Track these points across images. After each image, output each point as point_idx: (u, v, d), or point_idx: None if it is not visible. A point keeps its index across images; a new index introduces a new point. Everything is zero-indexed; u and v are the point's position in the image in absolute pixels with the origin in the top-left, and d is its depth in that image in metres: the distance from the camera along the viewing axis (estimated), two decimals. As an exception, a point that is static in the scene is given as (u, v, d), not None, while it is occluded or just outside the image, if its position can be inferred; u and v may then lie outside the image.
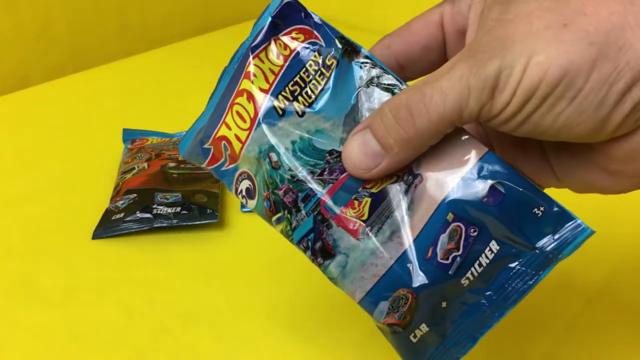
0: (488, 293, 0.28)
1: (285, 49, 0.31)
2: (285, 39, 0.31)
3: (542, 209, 0.27)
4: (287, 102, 0.30)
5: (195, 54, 0.89)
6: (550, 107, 0.25)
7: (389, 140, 0.28)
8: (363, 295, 0.29)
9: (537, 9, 0.26)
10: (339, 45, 0.30)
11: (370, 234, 0.29)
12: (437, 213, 0.28)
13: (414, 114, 0.27)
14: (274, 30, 0.31)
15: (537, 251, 0.27)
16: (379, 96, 0.30)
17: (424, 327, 0.28)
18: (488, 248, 0.28)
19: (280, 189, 0.30)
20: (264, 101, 0.30)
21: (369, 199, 0.29)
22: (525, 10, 0.26)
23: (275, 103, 0.30)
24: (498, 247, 0.28)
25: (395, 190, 0.29)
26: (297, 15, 0.31)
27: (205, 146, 0.31)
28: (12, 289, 0.45)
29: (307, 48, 0.31)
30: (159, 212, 0.51)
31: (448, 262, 0.28)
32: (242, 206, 0.54)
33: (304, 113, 0.30)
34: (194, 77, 0.81)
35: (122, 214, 0.51)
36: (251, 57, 0.30)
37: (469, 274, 0.28)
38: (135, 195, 0.52)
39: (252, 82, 0.30)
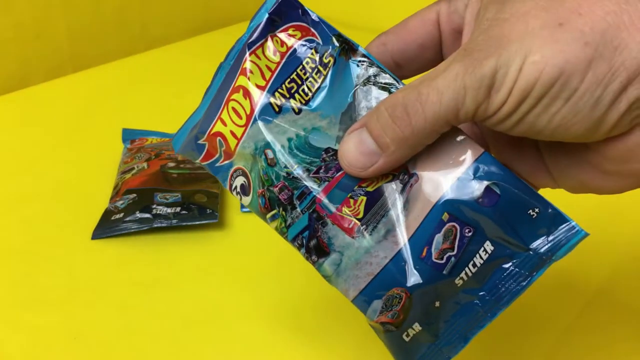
0: (481, 293, 0.28)
1: (282, 45, 0.31)
2: (282, 35, 0.31)
3: (536, 210, 0.28)
4: (283, 99, 0.30)
5: (195, 54, 0.89)
6: (545, 107, 0.26)
7: (385, 139, 0.28)
8: (357, 293, 0.29)
9: (533, 8, 0.26)
10: (336, 44, 0.30)
11: (365, 232, 0.29)
12: (433, 213, 0.28)
13: (410, 112, 0.27)
14: (271, 27, 0.31)
15: (531, 252, 0.28)
16: (376, 95, 0.30)
17: (416, 326, 0.28)
18: (482, 248, 0.28)
19: (276, 186, 0.30)
20: (260, 98, 0.30)
21: (365, 198, 0.29)
22: (521, 10, 0.26)
23: (272, 100, 0.30)
24: (492, 248, 0.28)
25: (391, 189, 0.29)
26: (294, 12, 0.31)
27: (200, 142, 0.31)
28: (12, 289, 0.45)
29: (304, 45, 0.31)
30: (158, 212, 0.51)
31: (442, 261, 0.28)
32: (242, 206, 0.54)
33: (300, 110, 0.30)
34: (194, 77, 0.81)
35: (121, 214, 0.51)
36: (248, 53, 0.30)
37: (463, 274, 0.28)
38: (134, 195, 0.52)
39: (249, 79, 0.30)
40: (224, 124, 0.31)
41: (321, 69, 0.30)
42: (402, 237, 0.29)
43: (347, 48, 0.30)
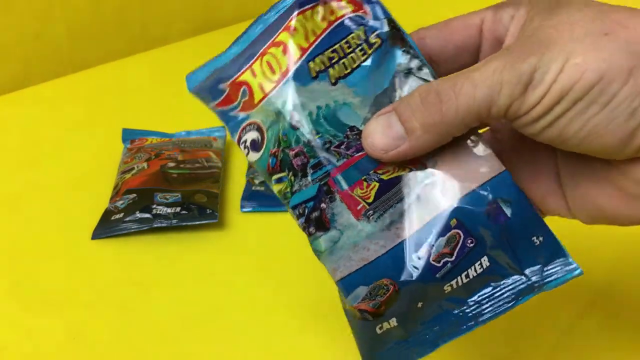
0: (464, 305, 0.28)
1: (331, 14, 0.30)
2: (334, 4, 0.30)
3: (540, 239, 0.28)
4: (322, 67, 0.30)
5: (195, 54, 0.88)
6: (580, 111, 0.25)
7: (413, 123, 0.27)
8: (345, 275, 0.29)
9: (580, 19, 0.26)
10: (387, 27, 0.30)
11: (371, 218, 0.28)
12: (442, 215, 0.28)
13: (443, 99, 0.27)
14: None
15: (524, 277, 0.28)
16: (414, 86, 0.29)
17: (393, 322, 0.28)
18: (479, 262, 0.28)
19: (292, 149, 0.29)
20: (300, 59, 0.30)
21: (378, 184, 0.29)
22: (567, 20, 0.26)
23: (311, 64, 0.30)
24: (488, 264, 0.28)
25: (406, 182, 0.29)
26: None
27: (221, 86, 0.31)
28: (12, 289, 0.45)
29: (353, 20, 0.30)
30: (158, 212, 0.51)
31: (439, 265, 0.28)
32: (242, 206, 0.54)
33: (336, 82, 0.30)
34: (194, 77, 0.81)
35: (121, 214, 0.51)
36: (297, 12, 0.30)
37: (454, 282, 0.28)
38: (134, 195, 0.52)
39: (292, 37, 0.30)
40: (254, 75, 0.30)
41: (366, 47, 0.30)
42: (406, 231, 0.28)
43: (396, 35, 0.30)
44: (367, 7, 0.30)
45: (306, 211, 0.29)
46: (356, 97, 0.30)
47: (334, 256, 0.29)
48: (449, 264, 0.28)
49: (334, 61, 0.30)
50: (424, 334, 0.28)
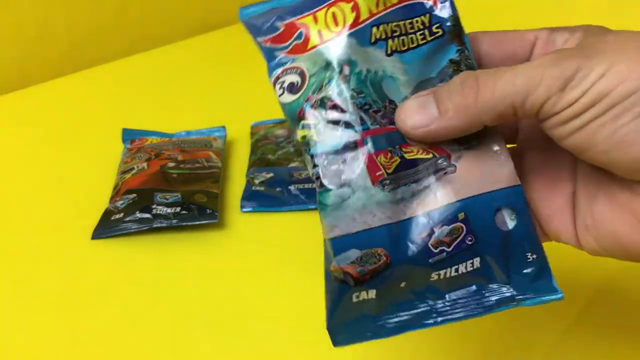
0: (441, 299, 0.28)
1: None
2: None
3: (534, 256, 0.29)
4: (383, 35, 0.30)
5: (195, 54, 0.89)
6: (613, 117, 0.25)
7: (447, 104, 0.28)
8: (342, 234, 0.29)
9: (630, 38, 0.26)
10: (450, 23, 0.31)
11: (385, 187, 0.29)
12: (452, 206, 0.29)
13: (481, 83, 0.27)
14: None
15: (508, 287, 0.28)
16: None
17: (372, 293, 0.28)
18: (472, 261, 0.28)
19: (332, 101, 0.30)
20: (365, 21, 0.30)
21: (399, 160, 0.29)
22: (618, 38, 0.27)
23: (374, 29, 0.30)
24: (479, 265, 0.28)
25: (425, 167, 0.29)
26: None
27: (277, 24, 0.31)
28: (12, 289, 0.45)
29: (422, 6, 0.31)
30: (158, 212, 0.51)
31: (435, 251, 0.28)
32: (242, 206, 0.54)
33: (392, 54, 0.30)
34: (194, 77, 0.81)
35: (121, 214, 0.51)
36: None
37: (442, 272, 0.28)
38: (134, 195, 0.52)
39: None
40: (316, 21, 0.30)
41: (427, 34, 0.31)
42: (414, 210, 0.29)
43: (457, 32, 0.31)
44: (438, 1, 0.31)
45: (326, 162, 0.29)
46: (404, 75, 0.30)
47: (338, 212, 0.29)
48: (444, 253, 0.28)
49: (395, 34, 0.31)
50: (395, 315, 0.28)
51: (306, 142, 0.30)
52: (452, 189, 0.29)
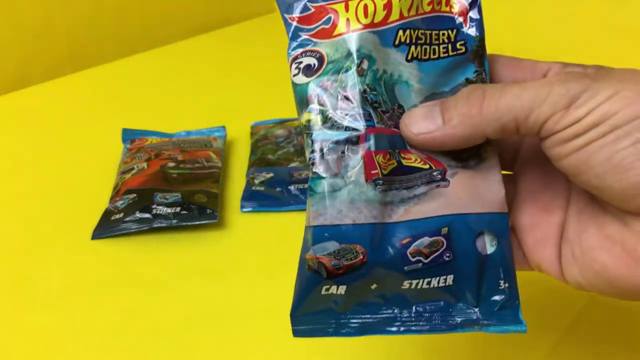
0: (408, 309, 0.29)
1: (438, 4, 0.31)
2: None
3: (506, 285, 0.29)
4: (408, 40, 0.30)
5: (195, 54, 0.89)
6: (613, 140, 0.25)
7: (452, 113, 0.28)
8: (325, 223, 0.28)
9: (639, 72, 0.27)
10: (475, 43, 0.31)
11: (377, 187, 0.29)
12: (438, 219, 0.29)
13: (487, 95, 0.27)
14: None
15: (474, 310, 0.29)
16: None
17: (342, 290, 0.28)
18: (445, 277, 0.29)
19: (345, 91, 0.30)
20: (394, 22, 0.30)
21: (396, 164, 0.29)
22: (627, 70, 0.27)
23: (400, 32, 0.30)
24: (452, 283, 0.29)
25: (419, 176, 0.29)
26: None
27: (309, 5, 0.31)
28: (12, 289, 0.45)
29: (452, 20, 0.31)
30: (158, 212, 0.51)
31: (411, 260, 0.28)
32: (242, 206, 0.54)
33: (411, 60, 0.30)
34: (194, 77, 0.81)
35: (121, 214, 0.51)
36: None
37: (415, 282, 0.28)
38: (134, 195, 0.52)
39: (400, 0, 0.30)
40: (347, 9, 0.30)
41: (450, 48, 0.31)
42: (400, 216, 0.29)
43: (479, 54, 0.31)
44: (468, 19, 0.31)
45: (325, 149, 0.29)
46: (418, 83, 0.30)
47: (325, 201, 0.29)
48: (420, 264, 0.28)
49: (419, 42, 0.31)
50: (359, 317, 0.28)
51: (309, 126, 0.29)
52: (441, 202, 0.29)
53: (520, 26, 0.90)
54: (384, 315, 0.29)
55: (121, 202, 0.52)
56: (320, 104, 0.30)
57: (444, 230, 0.29)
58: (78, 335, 0.41)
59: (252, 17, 1.01)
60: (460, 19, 0.31)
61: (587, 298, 0.45)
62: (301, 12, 0.31)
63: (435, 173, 0.29)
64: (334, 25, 0.30)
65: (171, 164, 0.56)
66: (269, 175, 0.57)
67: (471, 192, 0.29)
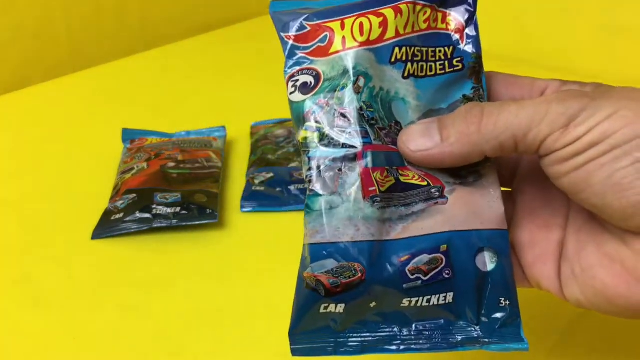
0: (408, 327, 0.28)
1: (434, 21, 0.31)
2: (440, 15, 0.31)
3: (507, 302, 0.29)
4: (404, 57, 0.30)
5: (195, 54, 0.89)
6: (613, 160, 0.25)
7: (450, 130, 0.28)
8: (323, 241, 0.28)
9: (638, 90, 0.27)
10: (472, 60, 0.31)
11: (375, 204, 0.28)
12: (437, 236, 0.29)
13: (485, 113, 0.27)
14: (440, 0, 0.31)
15: (475, 328, 0.28)
16: None
17: (340, 308, 0.28)
18: (445, 295, 0.28)
19: (342, 109, 0.30)
20: (390, 40, 0.30)
21: (394, 181, 0.29)
22: (626, 89, 0.27)
23: (396, 50, 0.30)
24: (452, 301, 0.28)
25: (417, 193, 0.29)
26: (464, 3, 0.31)
27: (305, 23, 0.31)
28: (12, 289, 0.45)
29: (449, 37, 0.31)
30: (158, 212, 0.51)
31: (410, 277, 0.28)
32: (242, 206, 0.54)
33: (408, 77, 0.30)
34: (194, 77, 0.82)
35: (121, 214, 0.51)
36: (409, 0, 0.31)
37: (414, 300, 0.28)
38: (134, 195, 0.52)
39: (395, 18, 0.30)
40: (343, 27, 0.30)
41: (447, 65, 0.31)
42: (399, 233, 0.29)
43: (476, 70, 0.31)
44: (465, 36, 0.32)
45: (322, 167, 0.29)
46: (415, 100, 0.30)
47: (323, 219, 0.29)
48: (419, 281, 0.28)
49: (415, 59, 0.31)
50: (358, 335, 0.28)
51: (306, 144, 0.30)
52: (440, 220, 0.29)
53: (519, 26, 0.90)
54: (383, 334, 0.28)
55: (121, 202, 0.52)
56: (317, 122, 0.30)
57: (443, 247, 0.29)
58: (78, 335, 0.41)
59: (252, 17, 1.01)
60: (457, 36, 0.31)
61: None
62: (297, 30, 0.31)
63: (433, 190, 0.29)
64: (330, 43, 0.30)
65: (171, 164, 0.56)
66: (269, 175, 0.57)
67: (470, 209, 0.29)
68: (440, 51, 0.31)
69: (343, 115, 0.29)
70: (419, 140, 0.29)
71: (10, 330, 0.42)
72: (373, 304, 0.28)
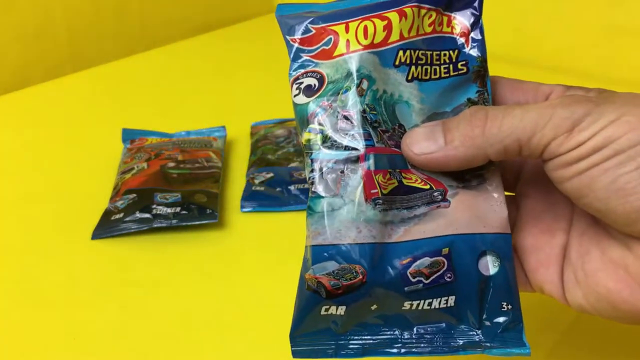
0: (409, 330, 0.28)
1: (439, 25, 0.31)
2: (445, 19, 0.31)
3: (509, 307, 0.29)
4: (408, 61, 0.30)
5: (195, 54, 0.89)
6: (616, 165, 0.25)
7: (454, 134, 0.28)
8: (324, 243, 0.29)
9: None
10: (477, 64, 0.31)
11: (377, 206, 0.28)
12: (439, 239, 0.29)
13: (490, 116, 0.27)
14: (444, 4, 0.31)
15: (476, 332, 0.28)
16: None
17: (341, 310, 0.28)
18: (447, 298, 0.28)
19: (346, 111, 0.30)
20: (394, 43, 0.30)
21: (397, 184, 0.29)
22: (629, 95, 0.27)
23: (400, 53, 0.30)
24: (453, 304, 0.28)
25: (419, 196, 0.29)
26: (469, 7, 0.31)
27: (310, 26, 0.31)
28: (12, 289, 0.45)
29: (454, 41, 0.31)
30: (158, 212, 0.51)
31: (412, 280, 0.28)
32: (242, 206, 0.54)
33: (412, 80, 0.30)
34: (194, 77, 0.82)
35: (121, 214, 0.51)
36: (415, 3, 0.31)
37: (415, 303, 0.28)
38: (134, 195, 0.52)
39: (400, 21, 0.30)
40: (347, 30, 0.30)
41: (451, 69, 0.31)
42: (400, 236, 0.29)
43: (481, 74, 0.31)
44: (470, 40, 0.32)
45: (324, 169, 0.29)
46: (419, 103, 0.30)
47: (324, 221, 0.29)
48: (421, 284, 0.28)
49: (419, 62, 0.31)
50: (359, 337, 0.28)
51: (309, 146, 0.30)
52: (442, 223, 0.29)
53: (519, 26, 0.90)
54: (384, 337, 0.28)
55: (121, 202, 0.52)
56: (320, 124, 0.30)
57: (445, 250, 0.28)
58: (78, 335, 0.42)
59: (252, 17, 1.01)
60: (462, 40, 0.31)
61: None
62: (303, 33, 0.31)
63: (435, 194, 0.29)
64: (335, 46, 0.30)
65: (171, 164, 0.56)
66: (269, 175, 0.57)
67: (473, 213, 0.29)
68: (444, 55, 0.31)
69: (346, 118, 0.30)
70: (423, 143, 0.29)
71: (10, 330, 0.42)
72: (374, 307, 0.28)
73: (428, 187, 0.29)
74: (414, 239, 0.29)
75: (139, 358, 0.40)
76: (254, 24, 0.99)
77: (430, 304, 0.28)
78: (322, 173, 0.29)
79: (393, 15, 0.30)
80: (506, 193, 0.30)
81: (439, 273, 0.28)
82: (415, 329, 0.28)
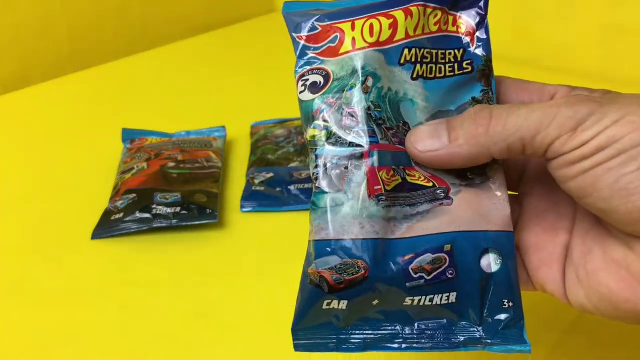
0: (410, 325, 0.28)
1: (445, 24, 0.31)
2: (451, 18, 0.32)
3: (510, 304, 0.29)
4: (413, 59, 0.31)
5: (195, 54, 0.89)
6: (620, 164, 0.25)
7: (458, 132, 0.28)
8: (327, 238, 0.29)
9: None
10: (482, 63, 0.31)
11: (380, 202, 0.29)
12: (441, 236, 0.29)
13: (494, 115, 0.28)
14: (451, 3, 0.31)
15: (477, 328, 0.29)
16: None
17: (343, 305, 0.28)
18: (448, 295, 0.29)
19: (350, 108, 0.30)
20: (400, 41, 0.30)
21: (400, 181, 0.29)
22: (634, 96, 0.27)
23: (405, 51, 0.30)
24: (454, 301, 0.28)
25: (423, 193, 0.29)
26: (475, 6, 0.32)
27: (316, 24, 0.31)
28: (12, 289, 0.45)
29: (459, 40, 0.32)
30: (158, 212, 0.51)
31: (414, 276, 0.28)
32: (242, 206, 0.54)
33: (417, 78, 0.31)
34: (194, 77, 0.82)
35: (121, 214, 0.51)
36: (421, 2, 0.31)
37: (417, 299, 0.28)
38: (134, 195, 0.52)
39: (405, 19, 0.30)
40: (353, 28, 0.31)
41: (456, 67, 0.31)
42: (403, 232, 0.29)
43: (486, 73, 0.31)
44: (475, 39, 0.32)
45: (329, 165, 0.29)
46: (424, 102, 0.31)
47: (327, 216, 0.29)
48: (422, 280, 0.28)
49: (424, 61, 0.31)
50: (361, 332, 0.28)
51: (314, 142, 0.30)
52: (445, 220, 0.29)
53: (519, 26, 0.90)
54: (385, 332, 0.28)
55: (121, 202, 0.52)
56: (325, 120, 0.30)
57: (447, 247, 0.29)
58: (78, 335, 0.41)
59: (252, 17, 1.01)
60: (467, 39, 0.32)
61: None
62: (309, 31, 0.31)
63: (438, 191, 0.29)
64: (341, 44, 0.31)
65: (171, 164, 0.56)
66: (269, 175, 0.57)
67: (476, 210, 0.29)
68: (450, 53, 0.31)
69: (351, 115, 0.30)
70: (427, 141, 0.29)
71: (10, 330, 0.42)
72: (376, 302, 0.28)
73: (431, 184, 0.29)
74: (416, 236, 0.29)
75: (139, 358, 0.40)
76: (254, 24, 0.99)
77: (431, 300, 0.28)
78: (327, 169, 0.29)
79: (399, 14, 0.30)
80: (509, 192, 0.30)
81: (440, 269, 0.28)
82: (416, 324, 0.28)
